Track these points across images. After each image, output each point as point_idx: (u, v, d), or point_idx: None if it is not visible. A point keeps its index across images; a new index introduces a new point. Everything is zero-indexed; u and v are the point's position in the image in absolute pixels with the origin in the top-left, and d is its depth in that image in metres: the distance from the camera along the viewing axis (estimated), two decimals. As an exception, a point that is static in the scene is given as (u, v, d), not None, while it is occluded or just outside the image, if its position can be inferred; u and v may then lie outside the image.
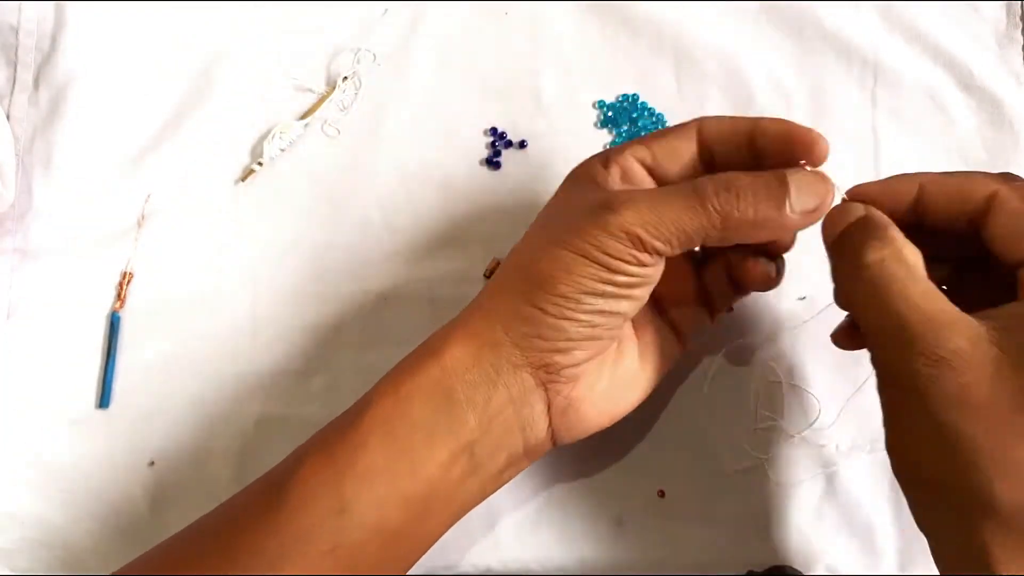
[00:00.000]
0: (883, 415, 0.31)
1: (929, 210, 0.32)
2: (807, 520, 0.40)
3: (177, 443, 0.41)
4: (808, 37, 0.45)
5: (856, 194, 0.33)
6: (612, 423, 0.35)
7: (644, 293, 0.32)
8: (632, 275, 0.31)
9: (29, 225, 0.43)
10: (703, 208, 0.30)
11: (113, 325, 0.42)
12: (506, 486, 0.41)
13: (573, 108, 0.45)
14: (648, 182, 0.34)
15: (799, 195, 0.31)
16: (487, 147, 0.44)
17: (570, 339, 0.31)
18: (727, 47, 0.45)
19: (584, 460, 0.41)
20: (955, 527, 0.29)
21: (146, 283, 0.43)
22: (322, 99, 0.44)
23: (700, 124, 0.34)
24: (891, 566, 0.39)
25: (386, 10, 0.45)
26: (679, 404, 0.41)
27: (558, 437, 0.34)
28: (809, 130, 0.32)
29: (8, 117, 0.43)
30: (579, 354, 0.32)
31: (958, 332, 0.28)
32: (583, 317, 0.31)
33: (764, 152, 0.33)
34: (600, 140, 0.44)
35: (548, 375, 0.32)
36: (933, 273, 0.30)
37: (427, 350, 0.33)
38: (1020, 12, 0.45)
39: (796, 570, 0.39)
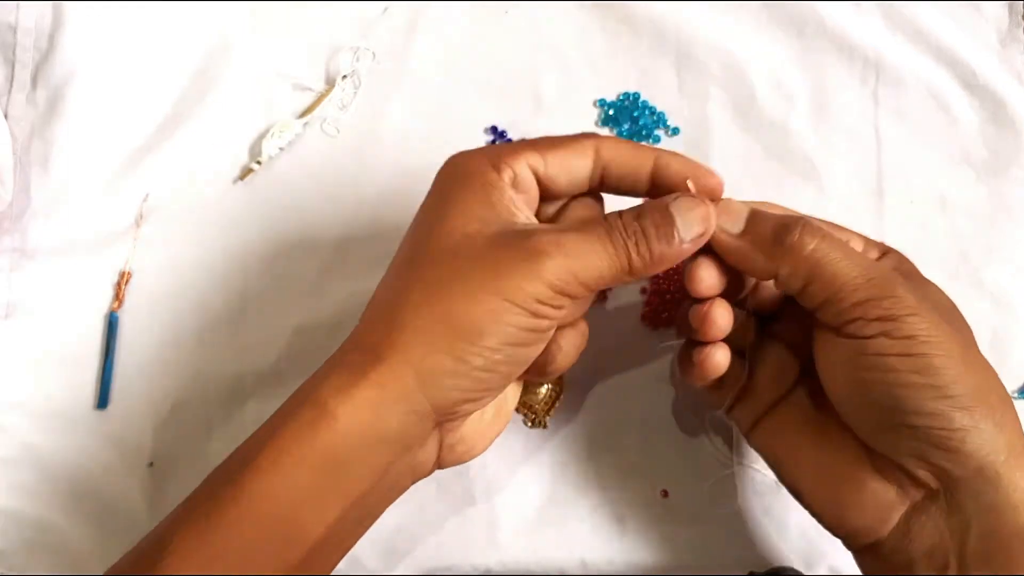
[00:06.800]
0: (824, 366, 0.33)
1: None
2: (808, 520, 0.39)
3: (176, 444, 0.41)
4: (810, 36, 0.45)
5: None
6: (489, 446, 0.35)
7: (550, 335, 0.32)
8: (554, 319, 0.31)
9: (27, 225, 0.43)
10: (619, 257, 0.31)
11: (111, 325, 0.42)
12: (506, 487, 0.41)
13: (574, 107, 0.45)
14: (535, 191, 0.33)
15: (685, 225, 0.31)
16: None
17: (488, 388, 0.31)
18: (729, 45, 0.44)
19: (584, 460, 0.41)
20: (921, 430, 0.30)
21: (144, 283, 0.42)
22: (321, 97, 0.44)
23: (598, 145, 0.33)
24: (893, 567, 0.39)
25: (386, 9, 0.45)
26: (679, 404, 0.41)
27: (443, 466, 0.34)
28: (710, 171, 0.33)
29: (6, 116, 0.43)
30: (487, 398, 0.32)
31: (893, 281, 0.31)
32: (503, 368, 0.31)
33: (661, 184, 0.33)
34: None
35: (447, 416, 0.31)
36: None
37: (317, 406, 0.30)
38: (1022, 11, 0.45)
39: (797, 571, 0.39)
